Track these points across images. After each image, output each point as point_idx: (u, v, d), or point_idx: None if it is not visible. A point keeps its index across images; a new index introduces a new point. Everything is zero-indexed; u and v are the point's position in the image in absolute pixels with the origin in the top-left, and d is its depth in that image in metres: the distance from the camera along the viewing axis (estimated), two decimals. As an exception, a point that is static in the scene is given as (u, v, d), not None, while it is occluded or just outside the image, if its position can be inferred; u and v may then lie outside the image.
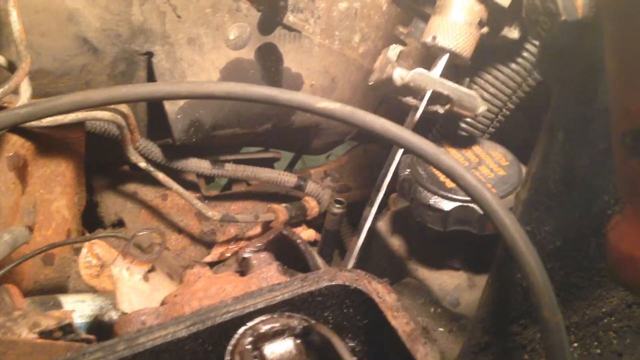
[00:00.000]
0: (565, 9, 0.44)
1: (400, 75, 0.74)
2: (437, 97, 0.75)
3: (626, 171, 0.39)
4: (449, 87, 0.74)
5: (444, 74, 0.76)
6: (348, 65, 1.01)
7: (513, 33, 0.77)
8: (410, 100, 0.76)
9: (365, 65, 1.01)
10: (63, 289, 0.86)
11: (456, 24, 0.73)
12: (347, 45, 0.99)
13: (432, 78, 0.74)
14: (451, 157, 0.55)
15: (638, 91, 0.36)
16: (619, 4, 0.35)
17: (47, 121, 0.75)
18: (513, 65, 0.80)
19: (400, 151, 0.76)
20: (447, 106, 0.74)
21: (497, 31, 0.78)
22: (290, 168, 1.16)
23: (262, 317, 0.55)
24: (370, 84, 0.81)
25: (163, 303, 0.69)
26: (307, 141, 1.09)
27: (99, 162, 0.95)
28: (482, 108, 0.74)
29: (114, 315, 0.79)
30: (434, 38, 0.74)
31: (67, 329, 0.63)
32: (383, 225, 0.79)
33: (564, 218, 0.55)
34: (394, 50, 0.81)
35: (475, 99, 0.75)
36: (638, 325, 0.59)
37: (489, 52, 0.81)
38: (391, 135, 0.58)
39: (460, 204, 0.67)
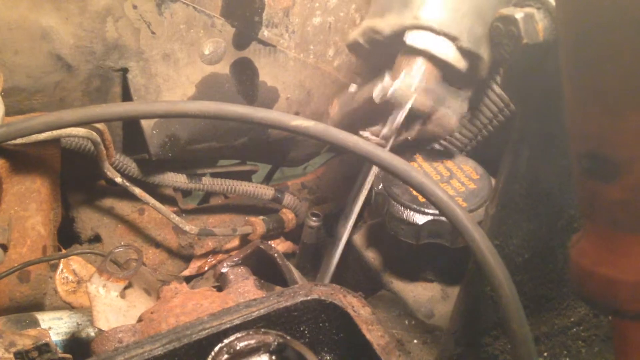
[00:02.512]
0: (526, 32, 0.46)
1: (382, 89, 0.74)
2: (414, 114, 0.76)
3: (584, 191, 0.40)
4: (433, 99, 0.74)
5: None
6: (323, 79, 1.02)
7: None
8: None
9: (341, 78, 1.03)
10: (39, 306, 0.85)
11: (412, 86, 0.74)
12: (322, 58, 1.00)
13: (412, 92, 0.74)
14: (421, 173, 0.56)
15: (591, 115, 0.37)
16: (572, 31, 0.37)
17: (21, 139, 0.75)
18: (491, 94, 0.81)
19: (374, 167, 0.77)
20: (418, 127, 0.75)
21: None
22: (267, 180, 1.17)
23: (238, 334, 0.56)
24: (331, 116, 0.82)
25: (140, 320, 0.69)
26: (284, 153, 1.10)
27: (75, 178, 0.95)
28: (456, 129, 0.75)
29: (91, 331, 0.79)
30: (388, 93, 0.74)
31: (43, 349, 0.63)
32: (358, 238, 0.80)
33: (531, 232, 0.56)
34: (353, 87, 0.83)
35: (452, 116, 0.76)
36: (605, 334, 0.60)
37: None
38: (363, 152, 0.59)
39: (432, 217, 0.68)
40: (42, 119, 0.58)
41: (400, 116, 0.74)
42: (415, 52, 0.75)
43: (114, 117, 0.60)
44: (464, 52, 0.74)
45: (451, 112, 0.75)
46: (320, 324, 0.64)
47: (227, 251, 1.02)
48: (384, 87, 0.73)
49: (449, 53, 0.73)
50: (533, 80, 0.47)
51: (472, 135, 0.81)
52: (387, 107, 0.75)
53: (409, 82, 0.73)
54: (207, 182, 0.98)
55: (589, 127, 0.38)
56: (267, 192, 1.01)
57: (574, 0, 0.36)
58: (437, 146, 0.85)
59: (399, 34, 0.75)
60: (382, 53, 0.80)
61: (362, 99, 0.79)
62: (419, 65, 0.73)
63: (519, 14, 0.45)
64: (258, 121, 0.62)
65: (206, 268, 0.99)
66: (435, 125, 0.75)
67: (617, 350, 0.43)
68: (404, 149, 0.78)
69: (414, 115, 0.76)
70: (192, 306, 0.68)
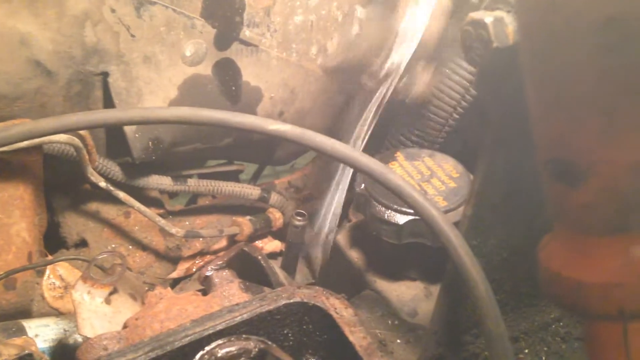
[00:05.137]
0: (496, 36, 0.46)
1: None
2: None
3: (551, 195, 0.41)
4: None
5: None
6: (307, 77, 1.02)
7: None
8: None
9: (324, 76, 1.03)
10: (26, 313, 0.85)
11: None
12: (305, 57, 1.00)
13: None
14: (399, 175, 0.57)
15: (553, 121, 0.38)
16: (531, 38, 0.37)
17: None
18: (455, 77, 0.81)
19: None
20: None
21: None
22: (255, 179, 1.17)
23: (219, 341, 0.56)
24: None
25: (125, 326, 0.69)
26: (270, 152, 1.10)
27: (60, 182, 0.95)
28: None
29: (78, 337, 0.79)
30: None
31: (27, 359, 0.63)
32: (342, 238, 0.80)
33: (509, 231, 0.57)
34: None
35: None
36: (584, 330, 0.61)
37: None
38: (340, 155, 0.59)
39: (413, 217, 0.69)
40: (18, 129, 0.58)
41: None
42: None
43: (91, 125, 0.60)
44: None
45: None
46: (304, 327, 0.64)
47: (215, 252, 1.02)
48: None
49: None
50: (505, 82, 0.48)
51: (439, 126, 0.82)
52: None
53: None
54: (193, 183, 0.98)
55: (552, 132, 0.38)
56: (253, 192, 1.01)
57: (532, 7, 0.36)
58: (413, 138, 0.86)
59: None
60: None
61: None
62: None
63: (488, 18, 0.45)
64: (236, 126, 0.62)
65: (194, 269, 0.99)
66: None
67: (588, 350, 0.44)
68: (386, 147, 0.78)
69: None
70: (176, 311, 0.68)
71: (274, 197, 1.03)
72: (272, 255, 1.05)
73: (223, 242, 1.02)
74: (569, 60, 0.35)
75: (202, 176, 1.06)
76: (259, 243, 1.03)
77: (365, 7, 0.99)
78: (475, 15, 0.46)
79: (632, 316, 0.38)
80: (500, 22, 0.46)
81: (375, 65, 0.99)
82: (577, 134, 0.36)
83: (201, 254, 1.01)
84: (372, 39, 1.01)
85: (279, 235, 1.06)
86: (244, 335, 0.57)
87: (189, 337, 0.58)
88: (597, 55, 0.34)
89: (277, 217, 1.03)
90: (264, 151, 1.10)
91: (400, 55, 0.77)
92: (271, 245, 1.04)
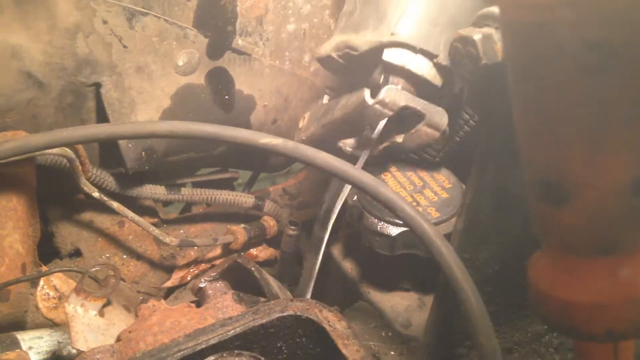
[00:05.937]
0: (485, 53, 0.46)
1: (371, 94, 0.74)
2: (408, 115, 0.75)
3: (539, 214, 0.41)
4: (421, 103, 0.74)
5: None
6: (300, 84, 1.02)
7: None
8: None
9: (318, 84, 1.03)
10: (21, 325, 0.85)
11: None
12: (298, 65, 1.00)
13: (405, 93, 0.74)
14: (390, 189, 0.57)
15: (540, 144, 0.38)
16: (516, 62, 0.37)
17: (-7, 161, 0.74)
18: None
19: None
20: (418, 126, 0.74)
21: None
22: (249, 187, 1.17)
23: (212, 357, 0.56)
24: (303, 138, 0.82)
25: (118, 339, 0.69)
26: (264, 159, 1.10)
27: (53, 193, 0.94)
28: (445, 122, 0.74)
29: (72, 349, 0.79)
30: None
31: (19, 374, 0.63)
32: (336, 249, 0.81)
33: (500, 244, 0.57)
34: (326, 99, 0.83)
35: (443, 115, 0.75)
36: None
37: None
38: (332, 168, 0.59)
39: (406, 228, 0.69)
40: (9, 145, 0.58)
41: (382, 125, 0.74)
42: (392, 68, 0.75)
43: (82, 140, 0.60)
44: (441, 69, 0.74)
45: (433, 126, 0.75)
46: (297, 340, 0.64)
47: (210, 260, 1.02)
48: (365, 100, 0.73)
49: (426, 70, 0.73)
50: (494, 98, 0.48)
51: (440, 146, 0.81)
52: (364, 120, 0.75)
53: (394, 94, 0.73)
54: (187, 192, 0.98)
55: (538, 154, 0.38)
56: (247, 200, 1.01)
57: (517, 29, 0.36)
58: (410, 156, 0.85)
59: (376, 50, 0.75)
60: (356, 68, 0.80)
61: (339, 112, 0.79)
62: (396, 82, 0.74)
63: (477, 35, 0.45)
64: (228, 139, 0.62)
65: (189, 278, 0.99)
66: (429, 124, 0.75)
67: (579, 368, 0.44)
68: (378, 159, 0.79)
69: (403, 121, 0.76)
70: (170, 324, 0.68)
71: (268, 205, 1.03)
72: (267, 263, 1.05)
73: (217, 251, 1.02)
74: (554, 83, 0.35)
75: (196, 184, 1.05)
76: (253, 251, 1.03)
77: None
78: (463, 32, 0.46)
79: (620, 337, 0.39)
80: (489, 39, 0.46)
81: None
82: (562, 156, 0.36)
83: (196, 262, 1.01)
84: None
85: (273, 242, 1.06)
86: (236, 351, 0.57)
87: (181, 352, 0.58)
88: (581, 77, 0.34)
89: (271, 225, 1.03)
90: (258, 158, 1.10)
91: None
92: (266, 253, 1.04)
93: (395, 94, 0.73)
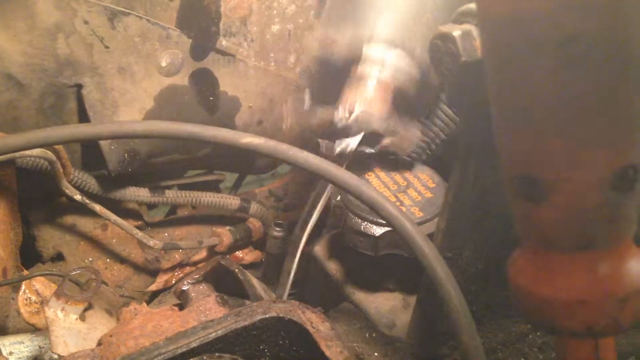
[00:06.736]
0: (465, 50, 0.46)
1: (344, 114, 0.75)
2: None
3: (517, 212, 0.40)
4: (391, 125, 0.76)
5: None
6: (285, 85, 1.01)
7: None
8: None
9: (303, 85, 1.02)
10: (2, 330, 0.83)
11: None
12: (283, 66, 0.99)
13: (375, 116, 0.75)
14: (373, 188, 0.56)
15: (517, 139, 0.37)
16: (493, 57, 0.37)
17: (-29, 163, 0.73)
18: (442, 106, 0.81)
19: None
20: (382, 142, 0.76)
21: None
22: (235, 189, 1.16)
23: (192, 360, 0.55)
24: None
25: (99, 343, 0.68)
26: (250, 161, 1.09)
27: (35, 196, 0.93)
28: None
29: (54, 355, 0.78)
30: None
31: (-2, 380, 0.62)
32: (320, 250, 0.80)
33: (483, 242, 0.56)
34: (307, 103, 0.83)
35: (413, 135, 0.77)
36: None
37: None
38: (314, 168, 0.58)
39: (389, 228, 0.68)
40: (-15, 146, 0.57)
41: (355, 141, 0.75)
42: (373, 63, 0.75)
43: (60, 140, 0.59)
44: (418, 62, 0.74)
45: (407, 138, 0.76)
46: (280, 342, 0.64)
47: (195, 263, 1.01)
48: (340, 118, 0.74)
49: (406, 65, 0.74)
50: (473, 95, 0.47)
51: (425, 145, 0.81)
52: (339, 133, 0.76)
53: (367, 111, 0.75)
54: (171, 194, 0.97)
55: (515, 149, 0.38)
56: (232, 202, 1.01)
57: (494, 23, 0.36)
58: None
59: (352, 52, 0.75)
60: (333, 77, 0.80)
61: (318, 120, 0.79)
62: (370, 90, 0.74)
63: (456, 32, 0.45)
64: (208, 139, 0.61)
65: (173, 281, 0.98)
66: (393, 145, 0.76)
67: (560, 366, 0.43)
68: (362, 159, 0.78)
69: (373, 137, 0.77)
70: (151, 327, 0.67)
71: (254, 207, 1.02)
72: (253, 265, 1.04)
73: (203, 253, 1.01)
74: (530, 77, 0.34)
75: (181, 187, 1.04)
76: (239, 253, 1.02)
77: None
78: (443, 28, 0.46)
79: (600, 333, 0.38)
80: (468, 36, 0.45)
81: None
82: (539, 152, 0.36)
83: (180, 265, 1.00)
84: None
85: (259, 245, 1.06)
86: (217, 354, 0.56)
87: (162, 356, 0.58)
88: (557, 72, 0.34)
89: (257, 227, 1.02)
90: (244, 160, 1.09)
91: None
92: (251, 255, 1.03)
93: (364, 116, 0.75)
